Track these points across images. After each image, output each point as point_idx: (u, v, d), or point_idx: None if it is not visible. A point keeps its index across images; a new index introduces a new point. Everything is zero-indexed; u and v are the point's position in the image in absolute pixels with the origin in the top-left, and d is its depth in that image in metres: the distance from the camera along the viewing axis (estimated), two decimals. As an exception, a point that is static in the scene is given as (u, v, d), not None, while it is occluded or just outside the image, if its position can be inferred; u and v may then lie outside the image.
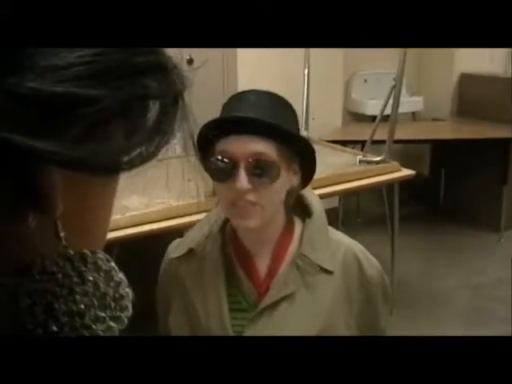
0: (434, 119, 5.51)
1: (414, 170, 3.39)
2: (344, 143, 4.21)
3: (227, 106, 1.26)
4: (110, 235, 0.46)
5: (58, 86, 0.32)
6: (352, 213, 5.06)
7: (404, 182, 3.50)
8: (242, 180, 1.19)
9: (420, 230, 4.93)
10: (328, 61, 4.52)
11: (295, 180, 1.29)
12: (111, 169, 0.38)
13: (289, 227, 1.35)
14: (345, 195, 4.30)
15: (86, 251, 0.42)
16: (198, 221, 1.46)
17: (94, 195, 0.42)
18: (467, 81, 5.46)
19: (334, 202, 4.32)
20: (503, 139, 4.71)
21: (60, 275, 0.40)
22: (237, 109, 1.22)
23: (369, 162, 3.28)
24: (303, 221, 1.36)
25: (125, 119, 0.38)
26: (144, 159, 0.39)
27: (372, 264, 1.36)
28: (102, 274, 0.43)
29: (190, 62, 3.45)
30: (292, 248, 1.33)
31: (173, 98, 0.40)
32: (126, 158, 0.38)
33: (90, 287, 0.42)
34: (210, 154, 1.23)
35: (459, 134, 5.04)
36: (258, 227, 1.25)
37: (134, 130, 0.38)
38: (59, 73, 0.32)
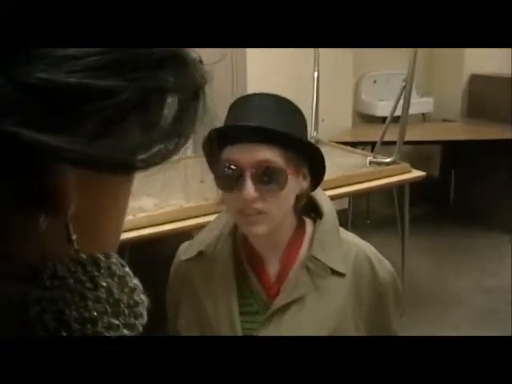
0: (444, 120, 5.49)
1: (424, 171, 3.37)
2: (354, 145, 4.20)
3: (233, 110, 1.25)
4: (121, 237, 0.45)
5: (70, 76, 0.30)
6: (362, 214, 5.04)
7: (414, 184, 3.49)
8: (249, 189, 1.19)
9: (430, 232, 4.91)
10: (337, 62, 4.51)
11: (305, 184, 1.28)
12: (128, 167, 0.36)
13: (299, 229, 1.34)
14: (354, 197, 4.29)
15: (99, 255, 0.40)
16: (209, 222, 1.46)
17: (109, 195, 0.40)
18: (477, 81, 5.43)
19: (344, 204, 4.31)
20: (514, 140, 4.68)
21: (71, 280, 0.38)
22: (243, 115, 1.21)
23: (379, 164, 3.27)
24: (314, 222, 1.35)
25: (142, 114, 0.35)
26: (164, 157, 0.37)
27: (384, 266, 1.35)
28: (116, 280, 0.41)
29: (200, 63, 3.45)
30: (303, 250, 1.32)
31: (193, 92, 0.38)
32: (144, 156, 0.35)
33: (103, 293, 0.39)
34: (215, 161, 1.23)
35: (469, 135, 5.02)
36: (267, 233, 1.24)
37: (152, 125, 0.36)
38: (72, 63, 0.30)
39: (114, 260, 0.41)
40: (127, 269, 0.42)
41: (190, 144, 0.38)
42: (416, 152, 5.14)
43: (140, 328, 0.42)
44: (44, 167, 0.33)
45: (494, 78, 5.29)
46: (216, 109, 0.40)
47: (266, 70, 4.12)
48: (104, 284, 0.40)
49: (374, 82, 5.32)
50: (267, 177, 1.20)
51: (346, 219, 4.24)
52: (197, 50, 0.37)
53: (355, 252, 1.33)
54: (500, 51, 5.17)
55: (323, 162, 1.27)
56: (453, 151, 5.42)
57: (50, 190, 0.34)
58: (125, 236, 2.21)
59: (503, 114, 4.93)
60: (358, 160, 3.39)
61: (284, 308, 1.28)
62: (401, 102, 3.37)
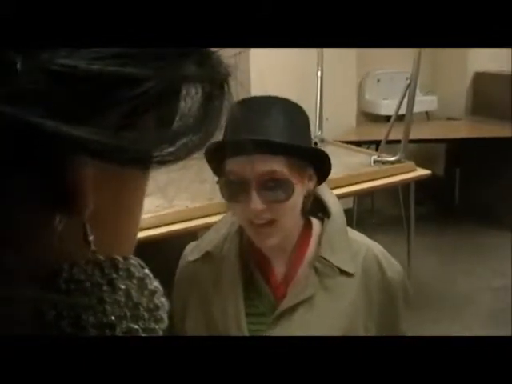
0: (449, 118, 5.49)
1: (428, 170, 3.36)
2: (358, 144, 4.20)
3: (235, 116, 1.21)
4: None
5: (94, 63, 0.28)
6: (366, 214, 5.04)
7: (419, 183, 3.49)
8: (255, 201, 1.17)
9: (435, 231, 4.91)
10: (341, 61, 4.51)
11: (311, 184, 1.26)
12: (155, 161, 0.34)
13: (306, 229, 1.33)
14: (359, 196, 4.29)
15: (118, 257, 0.38)
16: (215, 223, 1.45)
17: (127, 194, 0.38)
18: (481, 79, 5.43)
19: (349, 203, 4.31)
20: (519, 138, 4.67)
21: (88, 284, 0.36)
22: (246, 125, 1.16)
23: (384, 163, 3.27)
24: (322, 222, 1.34)
25: (167, 105, 0.34)
26: (189, 150, 0.35)
27: (392, 265, 1.34)
28: (135, 282, 0.39)
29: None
30: (310, 250, 1.31)
31: (217, 84, 0.36)
32: (170, 149, 0.34)
33: (122, 296, 0.38)
34: (218, 173, 1.21)
35: (474, 133, 5.01)
36: (278, 243, 1.24)
37: (176, 117, 0.35)
38: (96, 49, 0.29)
39: (132, 261, 0.39)
40: (147, 270, 0.40)
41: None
42: (420, 151, 5.14)
43: (160, 333, 0.40)
44: (62, 163, 0.31)
45: (497, 76, 5.28)
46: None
47: (270, 69, 4.11)
48: (123, 287, 0.38)
49: (378, 80, 5.33)
50: (273, 188, 1.18)
51: (350, 219, 4.24)
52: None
53: (364, 252, 1.32)
54: (504, 50, 5.16)
55: (329, 164, 1.25)
56: (457, 149, 5.41)
57: (68, 187, 0.32)
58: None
59: (507, 112, 4.92)
60: (362, 159, 3.39)
61: (292, 309, 1.27)
62: (405, 100, 3.37)
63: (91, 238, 0.36)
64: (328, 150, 1.28)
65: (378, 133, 3.94)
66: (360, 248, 1.32)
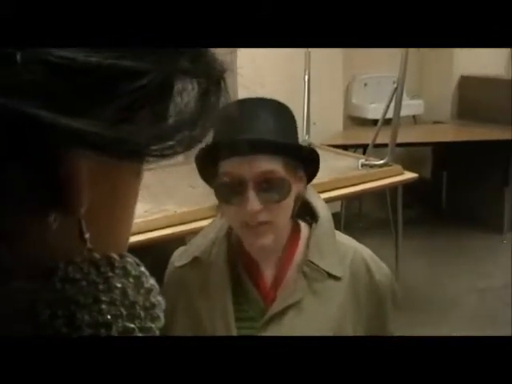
0: (435, 122, 5.52)
1: (415, 173, 3.38)
2: (345, 148, 4.21)
3: (227, 118, 1.22)
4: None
5: (93, 56, 0.29)
6: (354, 217, 5.05)
7: (406, 186, 3.50)
8: (253, 201, 1.16)
9: (423, 234, 4.93)
10: (328, 65, 4.52)
11: (301, 186, 1.27)
12: (153, 154, 0.33)
13: (295, 233, 1.33)
14: (347, 200, 4.30)
15: (114, 255, 0.38)
16: (203, 228, 1.45)
17: (122, 191, 0.38)
18: (467, 83, 5.46)
19: (337, 207, 4.32)
20: (504, 141, 4.71)
21: (84, 282, 0.36)
22: (240, 125, 1.17)
23: (371, 166, 3.28)
24: (309, 225, 1.34)
25: (165, 99, 0.34)
26: (187, 145, 0.35)
27: (380, 268, 1.34)
28: (132, 280, 0.38)
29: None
30: (298, 254, 1.31)
31: (213, 80, 0.36)
32: (169, 143, 0.33)
33: (118, 295, 0.37)
34: (212, 174, 1.21)
35: (460, 137, 5.04)
36: (271, 243, 1.24)
37: (175, 112, 0.35)
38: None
39: (129, 259, 0.39)
40: (143, 268, 0.40)
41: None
42: (407, 154, 5.17)
43: (157, 332, 0.39)
44: (58, 159, 0.31)
45: (483, 80, 5.32)
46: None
47: (257, 73, 4.12)
48: (119, 285, 0.37)
49: (365, 84, 5.35)
50: (270, 188, 1.18)
51: (338, 223, 4.24)
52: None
53: (352, 255, 1.32)
54: (489, 53, 5.20)
55: (318, 163, 1.26)
56: (444, 153, 5.44)
57: (64, 184, 0.32)
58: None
59: (493, 115, 4.96)
60: (350, 163, 3.40)
61: (281, 313, 1.26)
62: (392, 104, 3.39)
63: (87, 235, 0.35)
64: (316, 154, 1.29)
65: (365, 136, 3.95)
66: (348, 251, 1.33)
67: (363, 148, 4.13)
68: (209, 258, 1.32)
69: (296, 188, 1.24)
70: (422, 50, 5.27)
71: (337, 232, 1.37)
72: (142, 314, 0.39)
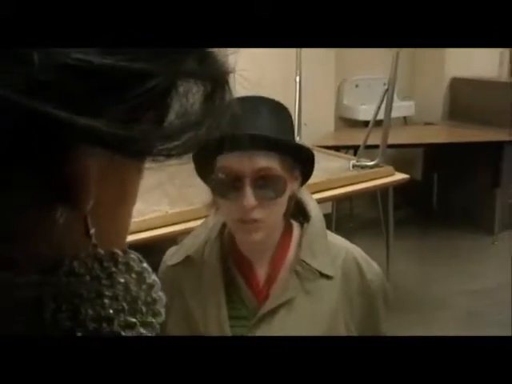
0: (426, 123, 5.54)
1: (406, 174, 3.39)
2: (337, 149, 4.22)
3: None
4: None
5: (107, 58, 0.29)
6: (345, 218, 5.06)
7: (397, 187, 3.51)
8: (249, 197, 1.17)
9: (414, 235, 4.94)
10: (319, 67, 4.53)
11: (296, 186, 1.28)
12: (162, 154, 0.34)
13: (287, 232, 1.33)
14: (338, 201, 4.31)
15: (117, 251, 0.39)
16: (195, 227, 1.45)
17: (127, 186, 0.39)
18: (458, 85, 5.48)
19: (328, 208, 4.32)
20: (495, 142, 4.73)
21: (88, 277, 0.37)
22: (237, 122, 1.16)
23: (362, 167, 3.29)
24: (301, 225, 1.35)
25: (173, 100, 0.35)
26: (193, 145, 0.35)
27: (372, 268, 1.35)
28: (134, 276, 0.39)
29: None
30: (291, 253, 1.32)
31: (218, 81, 0.37)
32: (176, 143, 0.34)
33: (121, 290, 0.38)
34: (209, 169, 1.21)
35: (451, 138, 5.06)
36: (263, 239, 1.24)
37: (181, 113, 0.35)
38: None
39: (132, 255, 0.40)
40: (145, 264, 0.41)
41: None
42: (398, 156, 5.18)
43: (158, 327, 0.40)
44: (67, 156, 0.32)
45: (474, 81, 5.34)
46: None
47: (248, 74, 4.12)
48: (121, 280, 0.38)
49: (356, 86, 5.36)
50: (266, 185, 1.19)
51: (329, 224, 4.25)
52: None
53: (343, 255, 1.33)
54: (480, 55, 5.22)
55: (314, 162, 1.27)
56: (435, 154, 5.46)
57: (72, 180, 0.33)
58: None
59: (484, 117, 4.98)
60: (341, 164, 3.40)
61: (273, 312, 1.27)
62: (383, 105, 3.39)
63: (92, 231, 0.36)
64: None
65: (357, 138, 3.96)
66: (339, 251, 1.33)
67: (354, 149, 4.14)
68: (201, 257, 1.32)
69: (291, 187, 1.25)
70: (413, 51, 5.29)
71: (328, 232, 1.37)
72: (144, 309, 0.39)
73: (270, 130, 1.18)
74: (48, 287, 0.35)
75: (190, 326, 1.31)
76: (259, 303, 1.29)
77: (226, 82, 0.38)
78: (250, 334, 1.27)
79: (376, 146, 3.42)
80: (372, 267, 1.35)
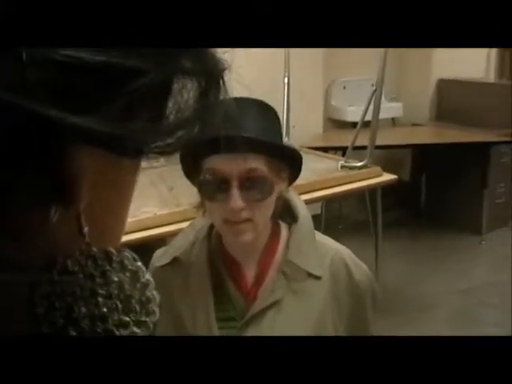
0: (414, 124, 5.56)
1: (395, 175, 3.40)
2: (325, 150, 4.23)
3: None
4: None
5: (98, 55, 0.29)
6: (334, 219, 5.07)
7: (385, 188, 3.52)
8: (236, 199, 1.17)
9: (402, 236, 4.96)
10: (307, 68, 4.54)
11: (283, 186, 1.28)
12: (155, 151, 0.34)
13: (275, 233, 1.33)
14: (327, 201, 4.31)
15: (111, 249, 0.38)
16: (183, 229, 1.45)
17: (120, 185, 0.38)
18: (445, 86, 5.51)
19: (317, 209, 4.33)
20: (482, 143, 4.76)
21: (81, 275, 0.37)
22: (225, 124, 1.16)
23: (351, 168, 3.29)
24: (289, 226, 1.35)
25: (166, 97, 0.35)
26: (186, 142, 0.35)
27: (360, 268, 1.35)
28: (128, 275, 0.39)
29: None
30: (279, 254, 1.32)
31: (213, 79, 0.37)
32: (169, 140, 0.34)
33: (115, 289, 0.38)
34: (196, 170, 1.21)
35: (439, 139, 5.09)
36: (250, 241, 1.24)
37: (175, 110, 0.35)
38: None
39: (126, 254, 0.39)
40: (139, 263, 0.40)
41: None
42: (386, 157, 5.19)
43: (151, 326, 0.40)
44: (61, 154, 0.31)
45: (461, 83, 5.37)
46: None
47: (236, 75, 4.12)
48: (115, 279, 0.38)
49: (344, 87, 5.37)
50: (253, 186, 1.19)
51: (318, 225, 4.25)
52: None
53: (331, 255, 1.33)
54: (468, 56, 5.25)
55: (301, 164, 1.27)
56: (423, 155, 5.48)
57: (66, 179, 0.32)
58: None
59: (472, 118, 5.01)
60: (329, 164, 3.41)
61: (261, 313, 1.27)
62: (371, 107, 3.41)
63: (86, 229, 0.36)
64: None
65: (345, 139, 3.97)
66: (327, 251, 1.33)
67: (343, 150, 4.14)
68: (189, 258, 1.32)
69: (278, 188, 1.25)
70: (400, 53, 5.30)
71: (317, 233, 1.38)
72: (138, 307, 0.39)
73: (256, 131, 1.18)
74: (41, 285, 0.35)
75: (178, 328, 1.31)
76: (248, 304, 1.29)
77: (222, 79, 0.37)
78: (239, 335, 1.26)
79: (364, 147, 3.42)
80: (360, 268, 1.35)
